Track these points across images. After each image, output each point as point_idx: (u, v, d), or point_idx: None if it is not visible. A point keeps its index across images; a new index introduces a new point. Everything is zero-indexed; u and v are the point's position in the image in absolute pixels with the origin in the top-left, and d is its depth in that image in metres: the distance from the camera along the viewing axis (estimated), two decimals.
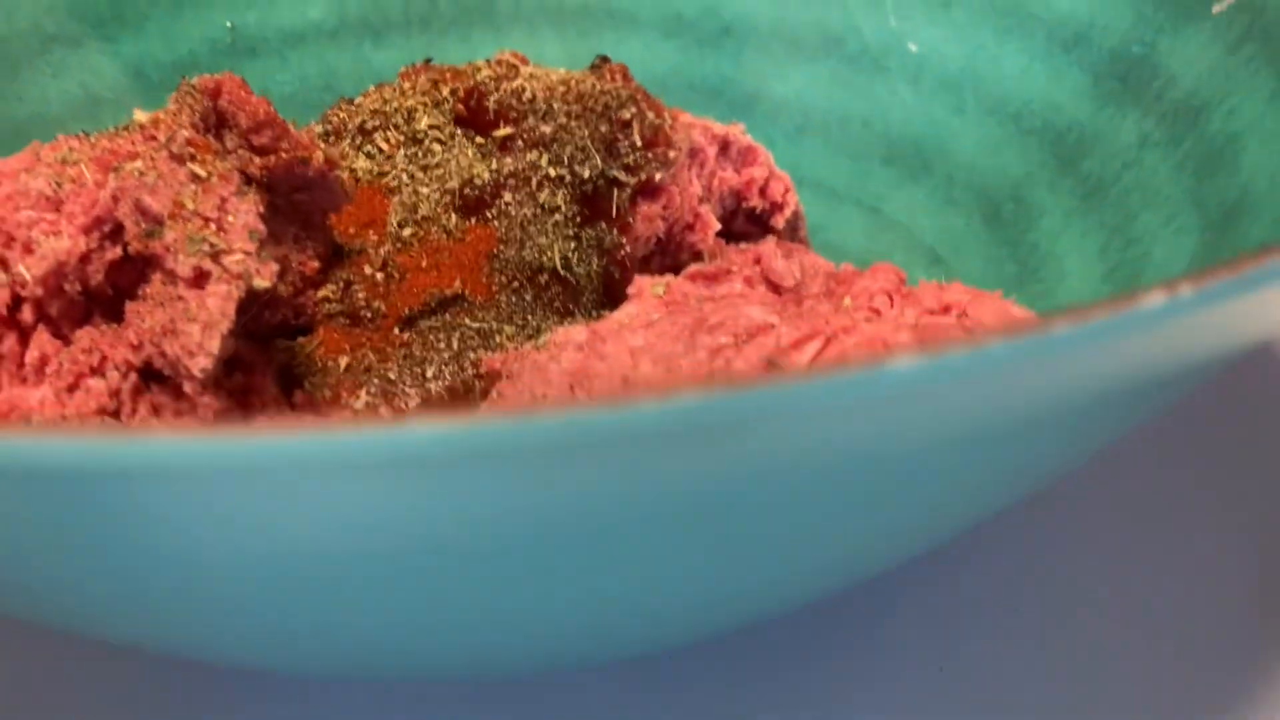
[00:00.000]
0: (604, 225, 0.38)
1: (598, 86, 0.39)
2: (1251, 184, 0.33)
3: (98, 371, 0.31)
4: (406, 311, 0.35)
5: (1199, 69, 0.37)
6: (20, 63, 0.44)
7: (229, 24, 0.49)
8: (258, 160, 0.33)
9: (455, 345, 0.34)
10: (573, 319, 0.36)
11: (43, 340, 0.31)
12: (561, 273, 0.36)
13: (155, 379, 0.31)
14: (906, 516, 0.23)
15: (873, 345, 0.30)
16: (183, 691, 0.33)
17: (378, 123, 0.39)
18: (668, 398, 0.14)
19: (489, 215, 0.37)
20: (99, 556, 0.20)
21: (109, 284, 0.31)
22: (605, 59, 0.41)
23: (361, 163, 0.39)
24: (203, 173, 0.31)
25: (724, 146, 0.41)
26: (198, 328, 0.30)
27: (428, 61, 0.42)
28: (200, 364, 0.30)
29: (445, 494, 0.17)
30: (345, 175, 0.38)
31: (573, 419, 0.15)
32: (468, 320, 0.35)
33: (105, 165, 0.31)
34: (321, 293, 0.35)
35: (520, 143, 0.38)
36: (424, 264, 0.36)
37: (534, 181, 0.37)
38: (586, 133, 0.38)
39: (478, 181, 0.37)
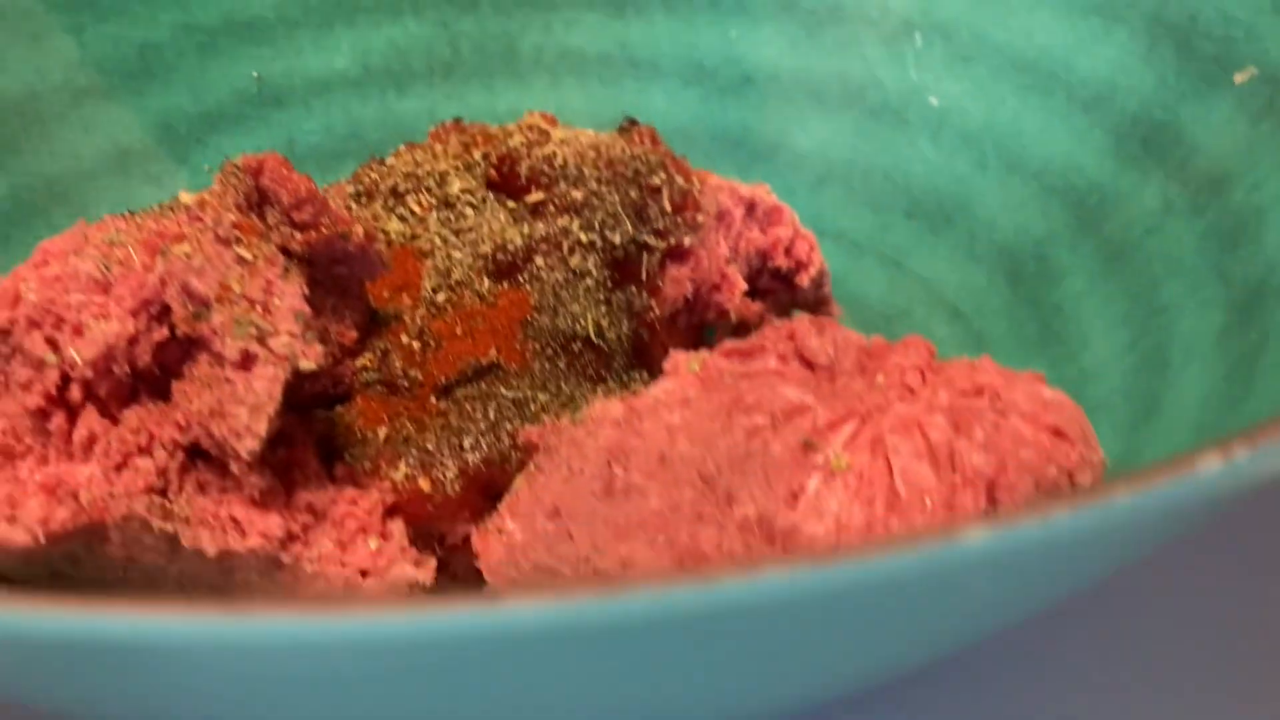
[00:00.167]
0: (634, 289, 0.38)
1: (628, 151, 0.39)
2: (1277, 261, 0.33)
3: (145, 451, 0.31)
4: (443, 380, 0.36)
5: (1222, 139, 0.37)
6: (52, 118, 0.45)
7: (255, 74, 0.49)
8: (299, 236, 0.33)
9: (491, 415, 0.35)
10: (605, 385, 0.37)
11: (91, 419, 0.31)
12: (595, 340, 0.37)
13: (202, 456, 0.32)
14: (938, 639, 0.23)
15: (908, 428, 0.30)
16: None
17: (410, 185, 0.40)
18: (751, 578, 0.14)
19: (521, 279, 0.38)
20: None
21: (156, 364, 0.31)
22: (634, 121, 0.42)
23: (394, 225, 0.39)
24: (249, 255, 0.31)
25: (750, 207, 0.42)
26: (245, 410, 0.30)
27: (457, 121, 0.43)
28: (248, 446, 0.30)
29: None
30: (378, 238, 0.38)
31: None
32: (503, 389, 0.36)
33: (152, 247, 0.31)
34: (359, 361, 0.36)
35: (552, 208, 0.38)
36: (459, 331, 0.37)
37: (565, 246, 0.38)
38: (617, 198, 0.38)
39: (510, 246, 0.38)
